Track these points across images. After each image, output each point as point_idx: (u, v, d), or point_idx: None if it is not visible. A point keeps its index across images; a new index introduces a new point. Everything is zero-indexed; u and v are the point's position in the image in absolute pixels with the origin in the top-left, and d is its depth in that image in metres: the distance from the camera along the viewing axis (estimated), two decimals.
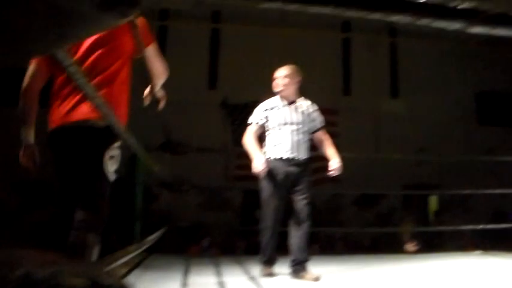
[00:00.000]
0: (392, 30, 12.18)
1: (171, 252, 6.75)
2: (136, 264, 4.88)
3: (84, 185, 2.66)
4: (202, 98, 11.26)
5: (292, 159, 4.48)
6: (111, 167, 2.71)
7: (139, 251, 4.16)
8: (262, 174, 4.42)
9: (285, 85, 4.64)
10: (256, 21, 11.42)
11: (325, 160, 4.67)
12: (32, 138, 2.83)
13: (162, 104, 3.27)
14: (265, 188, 4.52)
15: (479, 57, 12.45)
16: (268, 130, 4.60)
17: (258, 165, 4.35)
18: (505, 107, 13.00)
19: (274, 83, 4.70)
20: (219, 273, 4.70)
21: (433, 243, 7.90)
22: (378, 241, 9.46)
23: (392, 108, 12.18)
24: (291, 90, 4.66)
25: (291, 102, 4.65)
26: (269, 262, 4.55)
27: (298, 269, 4.39)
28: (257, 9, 11.14)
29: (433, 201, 11.78)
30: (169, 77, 10.00)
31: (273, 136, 4.56)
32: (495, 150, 10.52)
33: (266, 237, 4.51)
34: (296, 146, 4.51)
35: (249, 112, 12.05)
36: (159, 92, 3.23)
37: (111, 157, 2.73)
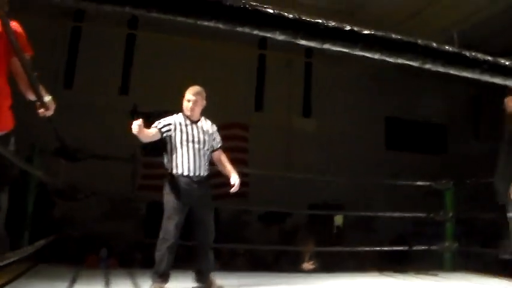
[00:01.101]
0: (308, 50, 12.33)
1: (65, 263, 6.46)
2: (19, 274, 4.62)
3: None
4: (113, 103, 10.98)
5: (195, 176, 4.66)
6: None
7: (15, 258, 3.93)
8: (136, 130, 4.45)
9: (193, 109, 4.80)
10: (173, 31, 11.28)
11: (225, 176, 4.90)
12: None
13: (50, 112, 3.20)
14: (169, 203, 4.63)
15: (391, 84, 12.85)
16: (171, 146, 4.75)
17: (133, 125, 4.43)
18: (412, 133, 13.47)
19: (185, 104, 4.84)
20: (106, 286, 4.54)
21: (333, 263, 7.98)
22: (280, 259, 9.46)
23: (304, 127, 12.33)
24: (197, 111, 4.83)
25: (195, 121, 4.83)
26: (163, 277, 4.53)
27: (202, 278, 4.64)
28: (173, 19, 11.05)
29: (339, 220, 12.01)
30: (78, 79, 9.63)
31: (177, 153, 4.71)
32: (400, 174, 10.80)
33: (163, 251, 4.55)
34: (198, 163, 4.70)
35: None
36: (47, 98, 3.11)
37: None
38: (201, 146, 4.75)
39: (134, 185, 10.83)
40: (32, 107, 3.15)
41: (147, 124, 10.69)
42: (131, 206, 10.83)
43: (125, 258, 8.88)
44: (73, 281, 4.70)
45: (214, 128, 4.99)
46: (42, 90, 3.15)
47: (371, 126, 13.04)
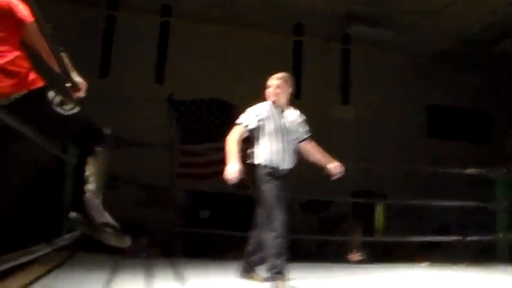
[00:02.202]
0: (346, 36, 12.04)
1: (104, 251, 6.38)
2: (59, 263, 4.53)
3: None
4: (148, 92, 10.88)
5: (281, 168, 4.48)
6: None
7: (54, 247, 3.86)
8: (233, 181, 4.32)
9: (277, 94, 4.62)
10: (208, 19, 11.14)
11: None
12: None
13: (82, 93, 3.15)
14: (267, 194, 4.38)
15: (432, 70, 12.54)
16: (259, 136, 4.55)
17: (231, 173, 4.30)
18: (454, 121, 13.10)
19: (268, 91, 4.69)
20: (147, 275, 4.41)
21: (378, 253, 7.73)
22: (324, 249, 9.22)
23: (343, 115, 12.07)
24: (283, 99, 4.64)
25: (283, 110, 4.65)
26: (283, 271, 4.26)
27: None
28: (207, 6, 10.90)
29: (380, 211, 11.73)
30: (114, 68, 9.58)
31: (265, 143, 4.51)
32: (442, 163, 10.47)
33: (274, 244, 4.25)
34: (286, 154, 4.51)
35: (196, 109, 11.65)
36: (76, 78, 3.08)
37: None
38: (289, 136, 4.58)
39: (172, 173, 10.75)
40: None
41: (185, 112, 10.63)
42: (169, 195, 10.74)
43: (166, 247, 8.79)
44: (113, 270, 4.60)
45: (303, 117, 4.83)
46: (71, 69, 3.06)
47: (412, 113, 12.71)
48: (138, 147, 8.59)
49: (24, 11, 2.71)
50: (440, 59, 12.50)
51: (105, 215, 2.99)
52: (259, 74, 10.86)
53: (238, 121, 4.66)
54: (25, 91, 2.69)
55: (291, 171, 4.58)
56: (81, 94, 3.14)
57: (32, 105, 2.68)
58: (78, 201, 2.95)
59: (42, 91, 2.78)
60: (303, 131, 4.77)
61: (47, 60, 2.90)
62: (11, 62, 2.67)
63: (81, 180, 2.97)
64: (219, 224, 10.28)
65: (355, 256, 7.24)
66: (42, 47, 2.81)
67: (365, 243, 7.70)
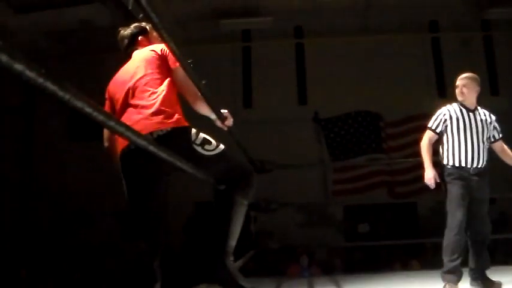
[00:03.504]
0: (485, 23, 11.49)
1: (266, 275, 6.54)
2: None
3: None
4: (293, 114, 11.08)
5: (473, 168, 4.46)
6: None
7: None
8: (432, 186, 4.46)
9: (464, 93, 4.59)
10: (338, 32, 11.16)
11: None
12: None
13: (229, 122, 3.21)
14: (451, 197, 4.45)
15: None
16: (447, 136, 4.58)
17: (429, 178, 4.43)
18: None
19: (457, 90, 4.65)
20: None
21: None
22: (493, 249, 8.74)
23: (493, 106, 11.41)
24: (472, 99, 4.60)
25: (472, 110, 4.60)
26: (455, 274, 4.33)
27: (479, 276, 4.46)
28: (337, 19, 10.95)
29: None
30: (256, 95, 9.90)
31: (453, 143, 4.54)
32: None
33: (451, 247, 4.34)
34: (477, 154, 4.47)
35: (342, 124, 11.68)
36: (222, 110, 3.17)
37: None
38: (480, 136, 4.52)
39: (327, 190, 10.81)
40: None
41: (333, 129, 10.72)
42: (327, 212, 10.80)
43: (327, 265, 8.83)
44: None
45: (493, 117, 4.73)
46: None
47: None
48: (291, 168, 8.75)
49: (171, 56, 2.93)
50: None
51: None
52: (400, 78, 10.82)
53: (428, 125, 4.70)
54: (168, 128, 2.82)
55: (485, 170, 4.52)
56: (229, 123, 3.19)
57: (173, 142, 2.77)
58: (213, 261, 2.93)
59: (185, 130, 2.90)
60: (495, 130, 4.69)
61: (194, 101, 3.04)
62: (162, 101, 2.86)
63: (219, 235, 2.96)
64: (380, 236, 10.16)
65: None
66: (188, 89, 2.98)
67: None
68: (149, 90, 2.90)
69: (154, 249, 2.76)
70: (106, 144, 3.10)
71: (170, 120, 2.85)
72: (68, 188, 10.43)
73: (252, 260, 6.33)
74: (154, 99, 2.87)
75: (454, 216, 4.34)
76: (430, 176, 4.40)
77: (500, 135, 4.70)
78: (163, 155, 2.38)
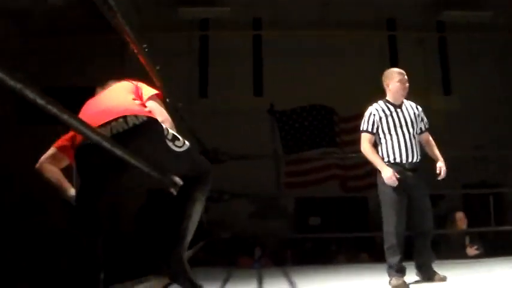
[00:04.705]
0: (441, 24, 11.72)
1: (217, 265, 6.53)
2: None
3: None
4: (248, 106, 11.07)
5: (408, 163, 4.50)
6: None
7: None
8: (395, 184, 4.41)
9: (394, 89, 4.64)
10: (297, 25, 11.20)
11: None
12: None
13: None
14: (385, 194, 4.52)
15: None
16: (380, 136, 4.60)
17: (389, 177, 4.39)
18: None
19: (402, 86, 4.66)
20: (259, 285, 4.46)
21: (496, 247, 7.35)
22: (439, 244, 8.95)
23: (445, 105, 11.66)
24: (400, 94, 4.64)
25: (399, 106, 4.64)
26: (400, 270, 4.39)
27: (425, 270, 4.54)
28: (296, 13, 10.99)
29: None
30: (212, 86, 9.81)
31: (387, 141, 4.56)
32: None
33: (390, 243, 4.42)
34: (410, 149, 4.51)
35: (297, 117, 11.74)
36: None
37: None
38: (410, 130, 4.56)
39: (279, 182, 10.87)
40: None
41: (288, 121, 10.78)
42: (279, 204, 10.86)
43: (277, 256, 8.89)
44: (225, 281, 4.69)
45: (420, 109, 4.77)
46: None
47: None
48: (244, 159, 8.75)
49: (148, 91, 3.11)
50: None
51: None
52: (356, 74, 10.92)
53: (361, 128, 4.71)
54: (144, 118, 2.83)
55: (420, 164, 4.57)
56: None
57: (148, 134, 2.82)
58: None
59: (159, 122, 2.91)
60: (422, 122, 4.73)
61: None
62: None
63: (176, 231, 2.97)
64: (331, 229, 10.28)
65: (472, 250, 6.91)
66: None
67: (481, 236, 7.35)
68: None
69: (95, 238, 2.73)
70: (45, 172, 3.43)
71: (146, 109, 2.91)
72: (16, 174, 10.18)
73: (203, 249, 6.32)
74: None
75: (391, 215, 4.43)
76: (388, 174, 4.38)
77: (427, 126, 4.75)
78: (118, 152, 2.31)
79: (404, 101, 4.68)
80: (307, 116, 11.48)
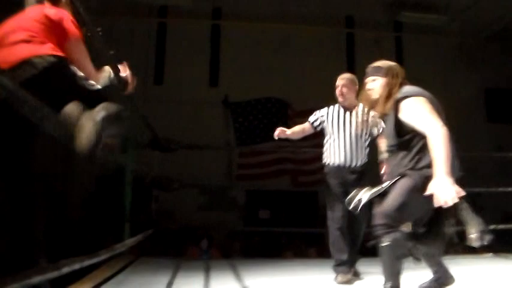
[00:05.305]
0: (397, 24, 11.89)
1: (166, 255, 6.48)
2: (122, 267, 4.62)
3: None
4: (203, 96, 11.01)
5: (350, 166, 4.56)
6: None
7: (116, 252, 3.93)
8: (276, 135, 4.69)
9: (344, 93, 4.67)
10: (257, 17, 11.18)
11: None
12: None
13: (130, 87, 3.02)
14: (327, 195, 4.65)
15: (487, 53, 12.19)
16: (326, 137, 4.72)
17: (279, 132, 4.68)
18: None
19: (336, 91, 4.73)
20: (207, 276, 4.44)
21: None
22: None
23: None
24: (351, 98, 4.64)
25: (350, 110, 4.67)
26: (343, 265, 4.45)
27: (350, 268, 4.53)
28: (257, 5, 10.95)
29: None
30: (168, 74, 9.68)
31: (330, 143, 4.66)
32: (504, 148, 10.15)
33: (333, 240, 4.53)
34: (354, 153, 4.57)
35: (251, 109, 11.68)
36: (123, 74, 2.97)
37: None
38: (356, 134, 4.60)
39: (231, 174, 10.85)
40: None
41: (242, 113, 10.77)
42: (229, 196, 10.85)
43: (226, 248, 8.87)
44: (174, 272, 4.66)
45: (372, 113, 4.82)
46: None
47: (470, 99, 12.36)
48: (197, 149, 8.70)
49: (72, 27, 2.66)
50: (495, 40, 12.15)
51: None
52: (312, 70, 10.96)
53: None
54: (51, 59, 2.48)
55: (363, 168, 4.59)
56: (131, 87, 3.07)
57: (57, 73, 2.47)
58: None
59: (66, 59, 2.58)
60: (376, 127, 4.66)
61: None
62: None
63: None
64: (280, 222, 10.31)
65: None
66: (83, 65, 2.68)
67: None
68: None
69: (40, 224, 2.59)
70: None
71: (48, 46, 2.55)
72: None
73: (151, 239, 6.25)
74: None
75: (332, 213, 4.52)
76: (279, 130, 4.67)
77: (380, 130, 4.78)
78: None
79: (360, 105, 4.72)
80: (261, 109, 11.47)
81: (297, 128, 4.82)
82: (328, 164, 4.61)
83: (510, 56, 12.16)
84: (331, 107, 4.77)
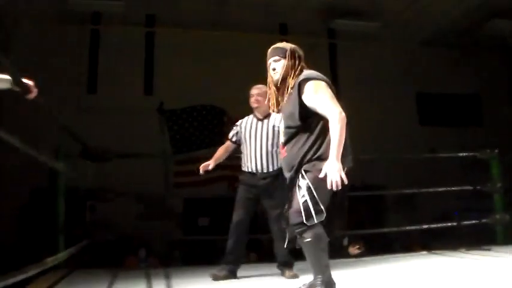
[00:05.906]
0: (331, 31, 12.09)
1: (104, 267, 6.34)
2: (55, 282, 4.49)
3: None
4: (138, 104, 10.85)
5: (262, 173, 4.75)
6: None
7: (49, 265, 3.82)
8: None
9: (260, 101, 4.87)
10: (191, 24, 11.14)
11: None
12: None
13: (33, 94, 3.08)
14: (237, 199, 4.88)
15: (419, 58, 12.56)
16: (241, 146, 4.98)
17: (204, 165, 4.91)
18: (445, 107, 13.09)
19: (251, 100, 5.02)
20: (146, 285, 4.39)
21: (378, 246, 7.69)
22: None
23: None
24: (264, 107, 4.75)
25: (262, 119, 4.91)
26: (228, 266, 4.75)
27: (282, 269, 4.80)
28: (191, 12, 10.90)
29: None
30: (102, 82, 9.52)
31: (244, 151, 4.92)
32: (437, 150, 10.46)
33: (229, 241, 4.83)
34: (265, 160, 4.76)
35: (187, 116, 11.67)
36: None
37: None
38: (269, 142, 4.78)
39: (168, 182, 10.74)
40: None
41: (177, 121, 10.67)
42: (167, 204, 10.74)
43: (165, 257, 8.78)
44: (111, 283, 4.57)
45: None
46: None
47: (402, 103, 12.70)
48: (133, 158, 8.58)
49: None
50: (426, 45, 12.55)
51: None
52: (248, 77, 10.96)
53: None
54: None
55: (276, 174, 4.67)
56: (34, 95, 3.10)
57: None
58: None
59: None
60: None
61: None
62: None
63: None
64: (220, 229, 10.27)
65: (354, 249, 7.17)
66: None
67: (363, 236, 7.65)
68: None
69: None
70: None
71: None
72: None
73: (87, 251, 6.12)
74: None
75: (234, 217, 4.80)
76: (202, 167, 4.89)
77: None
78: None
79: (273, 114, 4.82)
80: (197, 116, 11.40)
81: (219, 152, 5.05)
82: (243, 170, 4.86)
83: (441, 60, 12.57)
84: (246, 118, 5.04)
